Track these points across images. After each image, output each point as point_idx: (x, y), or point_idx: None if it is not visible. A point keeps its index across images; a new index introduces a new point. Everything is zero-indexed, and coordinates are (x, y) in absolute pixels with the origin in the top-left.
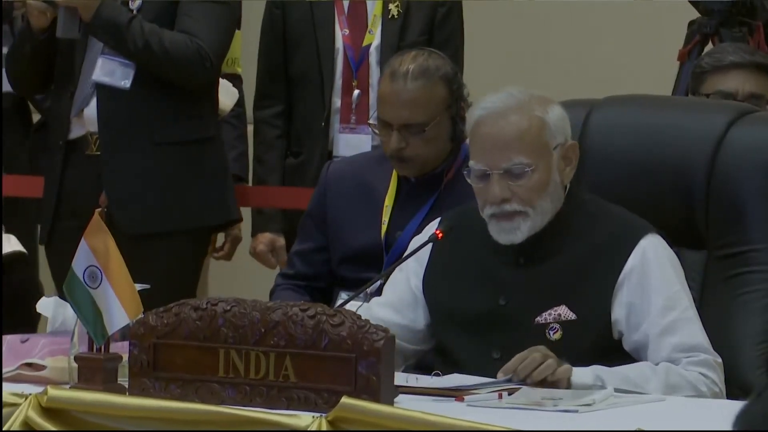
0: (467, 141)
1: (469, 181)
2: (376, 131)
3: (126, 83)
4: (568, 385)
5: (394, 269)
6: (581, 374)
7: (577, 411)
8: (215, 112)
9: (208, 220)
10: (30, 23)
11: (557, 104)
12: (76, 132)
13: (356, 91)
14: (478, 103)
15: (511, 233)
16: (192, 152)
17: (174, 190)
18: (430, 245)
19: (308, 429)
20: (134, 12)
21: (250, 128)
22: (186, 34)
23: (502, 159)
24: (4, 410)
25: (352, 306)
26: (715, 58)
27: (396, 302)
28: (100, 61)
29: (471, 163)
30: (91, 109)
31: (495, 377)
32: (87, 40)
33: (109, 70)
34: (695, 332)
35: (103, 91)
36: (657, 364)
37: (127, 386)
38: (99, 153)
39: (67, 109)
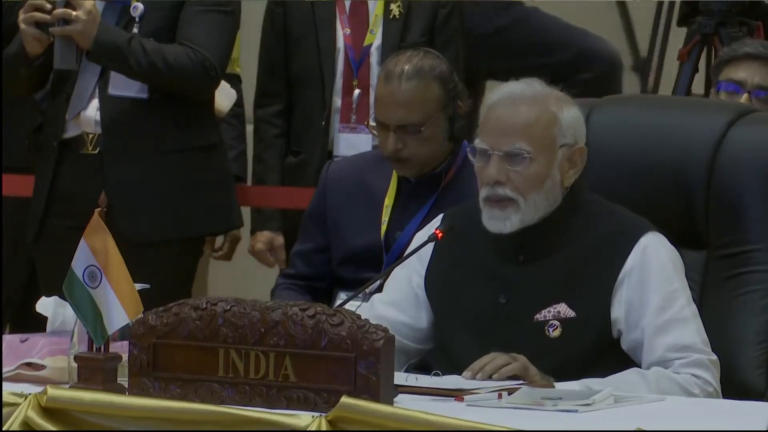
0: (466, 141)
1: (471, 160)
2: (375, 133)
3: (143, 94)
4: None
5: (393, 269)
6: (568, 385)
7: (576, 411)
8: (215, 119)
9: (211, 227)
10: (24, 48)
11: (576, 106)
12: (71, 132)
13: (357, 91)
14: (497, 89)
15: (500, 222)
16: (196, 159)
17: (178, 198)
18: (431, 243)
19: (308, 429)
20: (137, 20)
21: (250, 128)
22: (186, 47)
23: (504, 142)
24: (4, 410)
25: (351, 306)
26: (732, 49)
27: (399, 300)
28: (112, 75)
29: (476, 141)
30: (89, 112)
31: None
32: None
33: (123, 83)
34: (690, 332)
35: (107, 99)
36: (649, 368)
37: (126, 386)
38: (95, 152)
39: (62, 110)
